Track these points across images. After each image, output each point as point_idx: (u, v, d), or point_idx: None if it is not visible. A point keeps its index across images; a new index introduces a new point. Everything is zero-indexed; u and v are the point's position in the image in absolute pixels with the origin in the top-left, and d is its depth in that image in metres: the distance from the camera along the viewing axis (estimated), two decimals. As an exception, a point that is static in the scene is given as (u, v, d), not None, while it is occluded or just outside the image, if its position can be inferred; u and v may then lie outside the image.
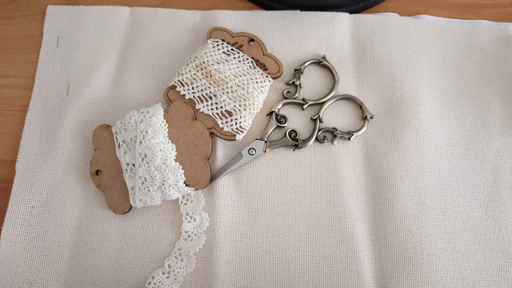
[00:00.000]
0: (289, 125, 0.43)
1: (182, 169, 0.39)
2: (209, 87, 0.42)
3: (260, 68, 0.43)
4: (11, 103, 0.46)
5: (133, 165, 0.39)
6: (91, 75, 0.45)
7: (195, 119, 0.41)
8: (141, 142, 0.39)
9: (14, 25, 0.49)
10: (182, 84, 0.42)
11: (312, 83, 0.45)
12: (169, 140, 0.40)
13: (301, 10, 0.47)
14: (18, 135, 0.44)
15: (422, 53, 0.46)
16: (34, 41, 0.48)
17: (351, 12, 0.48)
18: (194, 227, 0.40)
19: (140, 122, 0.40)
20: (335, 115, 0.44)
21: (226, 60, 0.43)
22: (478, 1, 0.50)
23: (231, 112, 0.41)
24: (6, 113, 0.45)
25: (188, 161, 0.40)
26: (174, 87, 0.43)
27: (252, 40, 0.45)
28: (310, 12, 0.47)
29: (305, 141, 0.42)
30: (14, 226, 0.40)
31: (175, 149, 0.40)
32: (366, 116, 0.43)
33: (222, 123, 0.41)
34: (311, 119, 0.43)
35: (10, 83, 0.46)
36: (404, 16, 0.47)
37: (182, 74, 0.42)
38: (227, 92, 0.41)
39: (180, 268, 0.39)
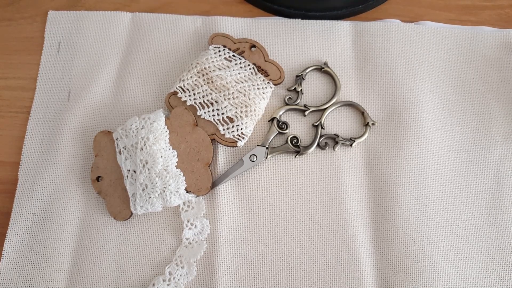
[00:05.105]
0: (291, 132, 0.43)
1: (183, 175, 0.39)
2: (211, 93, 0.42)
3: (261, 74, 0.43)
4: (11, 105, 0.46)
5: (134, 171, 0.39)
6: (92, 81, 0.45)
7: (197, 126, 0.41)
8: (142, 149, 0.39)
9: (14, 27, 0.49)
10: (183, 90, 0.42)
11: (313, 89, 0.45)
12: (170, 147, 0.40)
13: (300, 11, 0.47)
14: (18, 136, 0.44)
15: (424, 60, 0.46)
16: (34, 43, 0.48)
17: (351, 14, 0.48)
18: (195, 234, 0.40)
19: (141, 129, 0.40)
20: (337, 122, 0.44)
21: (228, 66, 0.43)
22: (477, 3, 0.50)
23: (232, 118, 0.41)
24: (5, 115, 0.45)
25: (189, 167, 0.40)
26: (175, 93, 0.43)
27: (254, 46, 0.44)
28: (311, 20, 0.47)
29: (307, 147, 0.42)
30: (17, 233, 0.40)
31: (176, 156, 0.40)
32: (368, 123, 0.43)
33: (223, 129, 0.41)
34: (313, 125, 0.43)
35: (10, 84, 0.46)
36: (406, 23, 0.47)
37: (183, 80, 0.42)
38: (229, 99, 0.41)
39: (180, 275, 0.39)
